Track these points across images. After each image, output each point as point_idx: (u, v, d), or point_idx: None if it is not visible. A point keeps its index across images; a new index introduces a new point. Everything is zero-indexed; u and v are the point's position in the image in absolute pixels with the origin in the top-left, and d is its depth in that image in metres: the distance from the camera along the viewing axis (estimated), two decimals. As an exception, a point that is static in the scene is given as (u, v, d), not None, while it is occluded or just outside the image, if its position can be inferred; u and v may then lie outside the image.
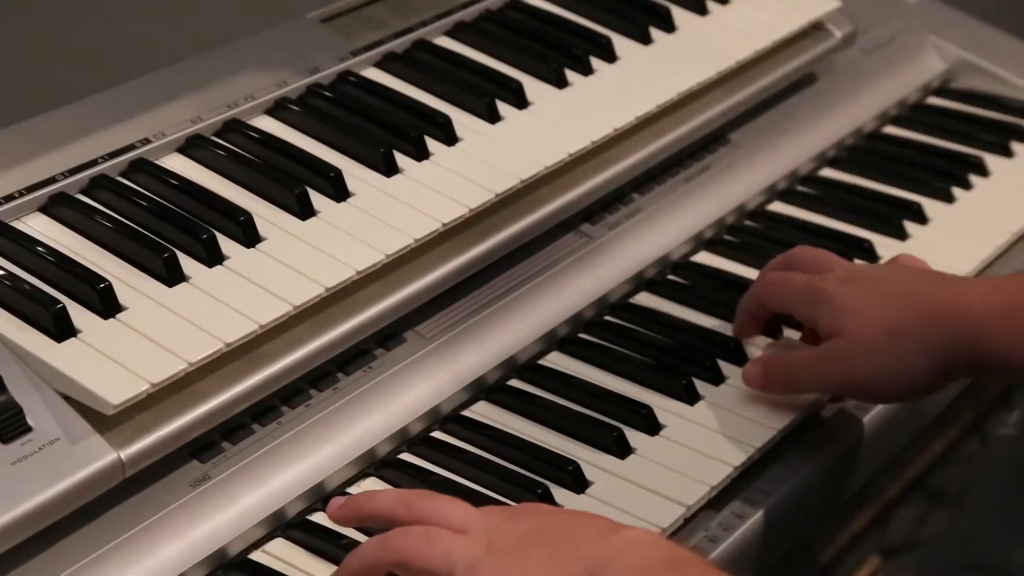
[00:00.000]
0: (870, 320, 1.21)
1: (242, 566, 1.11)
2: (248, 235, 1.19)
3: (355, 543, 1.10)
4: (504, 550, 1.00)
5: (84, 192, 1.22)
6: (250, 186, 1.25)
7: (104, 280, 1.12)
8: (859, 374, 1.22)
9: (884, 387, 1.23)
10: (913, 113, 1.73)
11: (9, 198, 1.18)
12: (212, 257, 1.17)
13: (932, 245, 1.50)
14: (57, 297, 1.11)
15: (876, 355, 1.20)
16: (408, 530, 1.02)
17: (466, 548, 1.00)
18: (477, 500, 1.16)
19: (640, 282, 1.42)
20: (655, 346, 1.34)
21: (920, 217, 1.54)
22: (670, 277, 1.44)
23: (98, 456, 1.05)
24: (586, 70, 1.45)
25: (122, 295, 1.12)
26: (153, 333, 1.10)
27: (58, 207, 1.19)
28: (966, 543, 0.85)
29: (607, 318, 1.38)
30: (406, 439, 1.22)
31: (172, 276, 1.15)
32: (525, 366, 1.31)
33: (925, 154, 1.66)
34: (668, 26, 1.53)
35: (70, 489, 1.03)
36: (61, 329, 1.09)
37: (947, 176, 1.61)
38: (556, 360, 1.32)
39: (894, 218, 1.53)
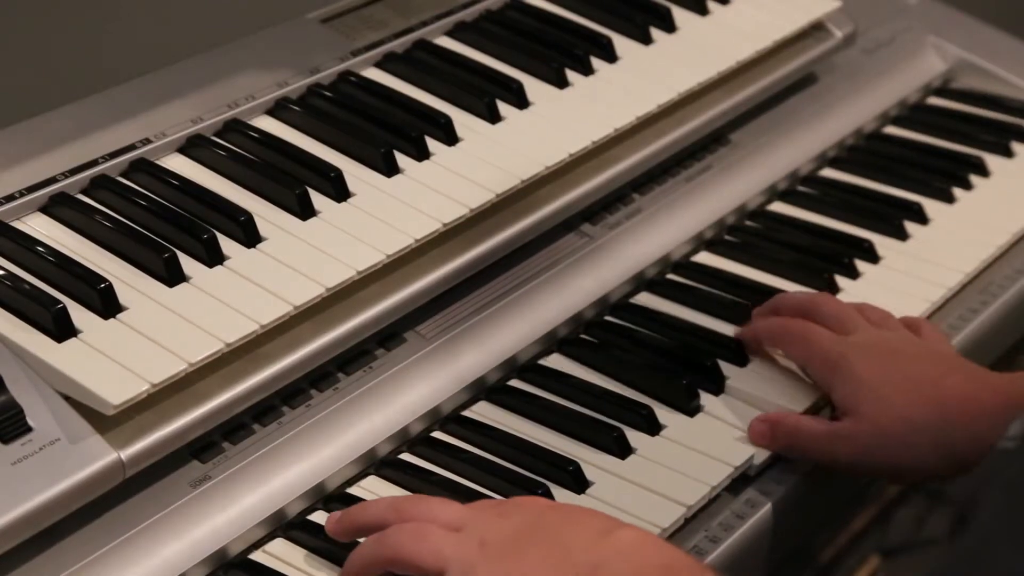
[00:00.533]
0: (887, 404, 1.20)
1: (243, 566, 1.11)
2: (248, 235, 1.19)
3: (354, 543, 1.10)
4: (497, 551, 1.00)
5: (84, 192, 1.22)
6: (251, 186, 1.25)
7: (104, 280, 1.12)
8: (869, 460, 1.21)
9: (893, 474, 1.24)
10: (913, 113, 1.73)
11: (10, 198, 1.18)
12: (213, 257, 1.17)
13: (933, 245, 1.50)
14: (57, 297, 1.11)
15: (889, 444, 1.20)
16: (402, 527, 1.03)
17: (458, 547, 1.00)
18: (478, 500, 1.16)
19: (641, 282, 1.42)
20: (655, 346, 1.34)
21: (921, 217, 1.54)
22: (670, 277, 1.44)
23: (98, 456, 1.05)
24: (587, 70, 1.45)
25: (122, 295, 1.12)
26: (153, 333, 1.10)
27: (58, 207, 1.19)
28: (971, 564, 0.84)
29: (608, 318, 1.38)
30: (407, 439, 1.22)
31: (172, 276, 1.15)
32: (525, 366, 1.31)
33: (925, 154, 1.65)
34: (669, 26, 1.53)
35: (70, 489, 1.03)
36: (61, 329, 1.09)
37: (948, 176, 1.61)
38: (556, 360, 1.32)
39: (895, 218, 1.53)
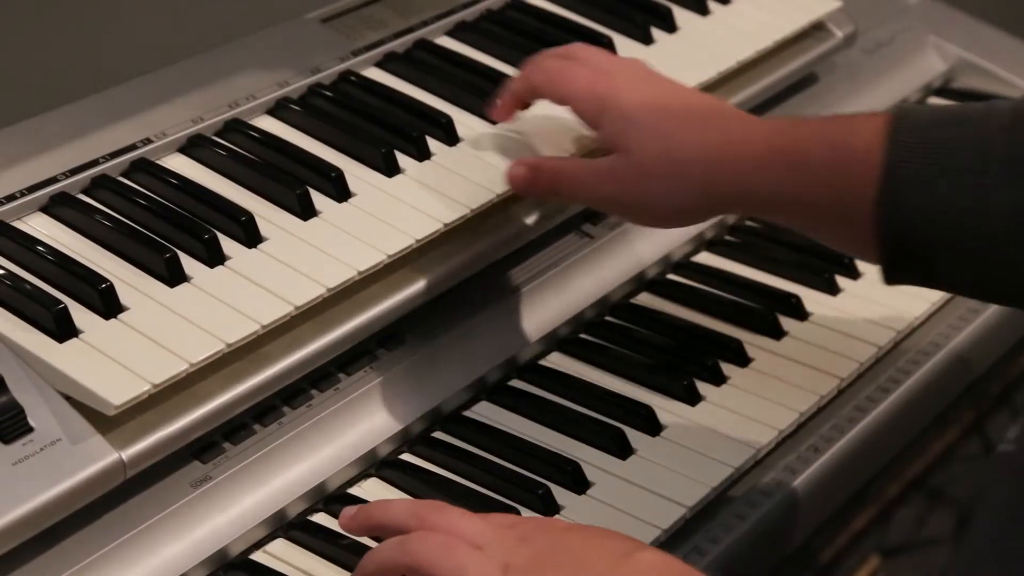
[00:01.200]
0: (655, 142, 1.19)
1: (243, 566, 1.11)
2: (249, 235, 1.19)
3: (355, 544, 1.10)
4: (520, 574, 0.99)
5: (85, 192, 1.22)
6: (251, 186, 1.25)
7: (106, 280, 1.12)
8: (630, 197, 1.21)
9: (653, 213, 1.23)
10: (914, 113, 1.72)
11: (10, 198, 1.18)
12: (213, 257, 1.17)
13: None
14: (58, 297, 1.11)
15: (654, 183, 1.19)
16: (427, 536, 1.01)
17: (482, 567, 0.99)
18: (478, 500, 1.17)
19: (641, 282, 1.42)
20: (656, 346, 1.34)
21: (921, 217, 1.54)
22: (671, 277, 1.44)
23: (99, 456, 1.05)
24: (587, 70, 1.45)
25: (123, 295, 1.12)
26: (154, 333, 1.10)
27: (59, 207, 1.19)
28: None
29: (608, 318, 1.38)
30: (407, 439, 1.23)
31: (174, 276, 1.15)
32: (526, 366, 1.31)
33: (926, 154, 1.65)
34: (669, 26, 1.53)
35: (71, 489, 1.03)
36: (62, 329, 1.09)
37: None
38: (557, 360, 1.32)
39: (895, 218, 1.53)
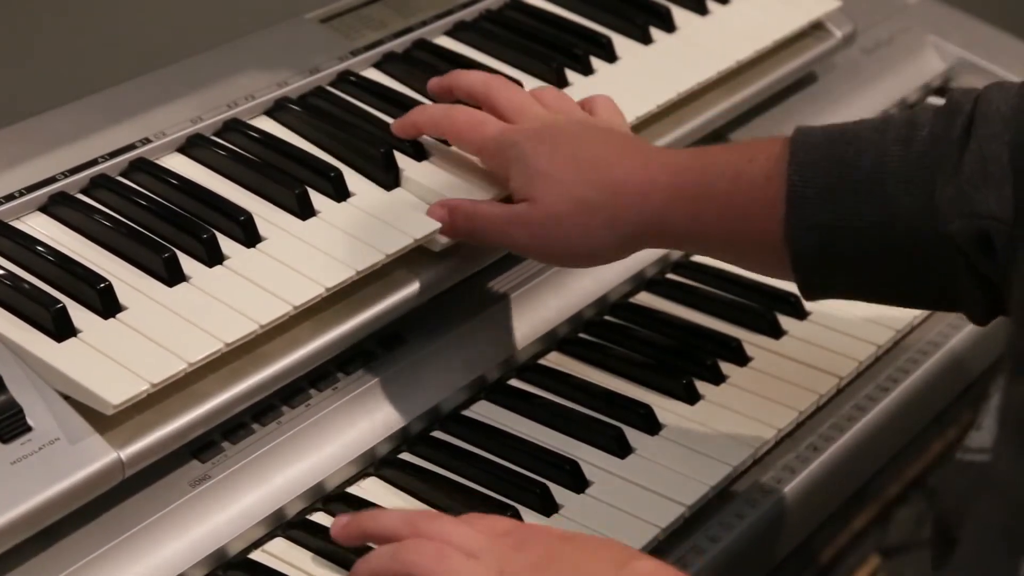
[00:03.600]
0: (561, 188, 1.20)
1: (242, 566, 1.11)
2: (248, 235, 1.19)
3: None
4: None
5: (84, 192, 1.22)
6: (250, 186, 1.25)
7: (104, 280, 1.12)
8: (544, 242, 1.22)
9: (567, 255, 1.23)
10: (913, 113, 1.72)
11: (9, 197, 1.18)
12: (212, 257, 1.17)
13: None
14: (57, 297, 1.11)
15: (564, 226, 1.20)
16: (421, 544, 1.00)
17: (477, 575, 0.98)
18: (477, 499, 1.17)
19: (640, 282, 1.42)
20: (655, 346, 1.34)
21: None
22: (670, 276, 1.44)
23: (98, 456, 1.05)
24: (586, 70, 1.45)
25: (122, 295, 1.12)
26: (153, 333, 1.10)
27: (58, 207, 1.19)
28: None
29: (607, 318, 1.38)
30: (406, 439, 1.23)
31: (172, 276, 1.15)
32: (525, 366, 1.31)
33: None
34: (668, 26, 1.53)
35: (70, 489, 1.04)
36: (61, 329, 1.09)
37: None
38: (556, 360, 1.32)
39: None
